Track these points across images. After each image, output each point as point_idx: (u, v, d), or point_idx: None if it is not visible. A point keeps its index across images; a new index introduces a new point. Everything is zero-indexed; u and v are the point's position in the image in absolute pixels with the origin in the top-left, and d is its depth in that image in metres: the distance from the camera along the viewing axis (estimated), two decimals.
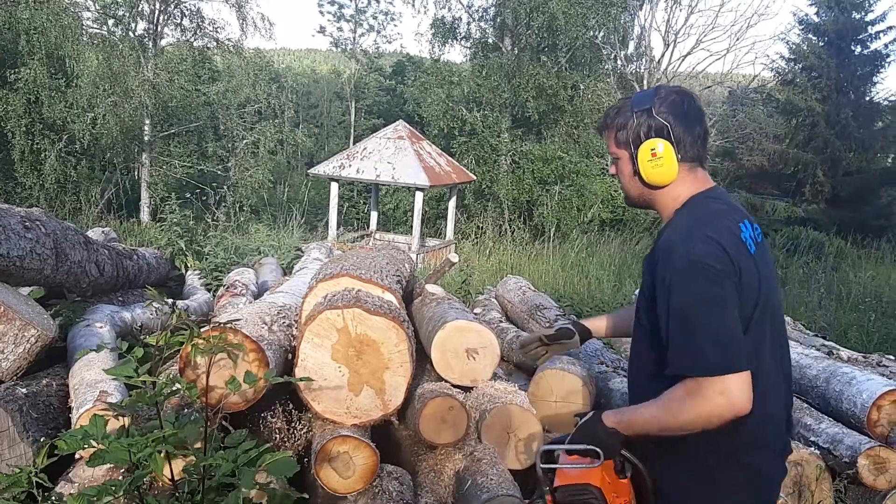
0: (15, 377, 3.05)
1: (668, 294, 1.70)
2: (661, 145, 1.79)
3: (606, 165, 19.37)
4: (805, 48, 22.72)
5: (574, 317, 4.66)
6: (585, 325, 2.46)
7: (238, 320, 2.88)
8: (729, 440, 1.72)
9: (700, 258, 1.68)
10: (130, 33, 15.29)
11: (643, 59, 21.62)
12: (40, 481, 2.39)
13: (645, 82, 20.77)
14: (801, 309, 8.67)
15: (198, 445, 2.17)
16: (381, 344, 2.80)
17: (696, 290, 1.66)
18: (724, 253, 1.69)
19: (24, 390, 2.94)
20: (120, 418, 2.15)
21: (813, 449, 3.28)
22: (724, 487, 1.78)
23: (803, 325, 5.58)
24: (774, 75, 23.53)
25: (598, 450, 1.77)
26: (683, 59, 21.10)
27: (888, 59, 22.12)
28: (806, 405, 3.71)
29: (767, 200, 21.04)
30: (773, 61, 23.52)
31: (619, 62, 21.30)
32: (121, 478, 2.35)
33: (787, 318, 5.47)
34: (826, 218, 20.22)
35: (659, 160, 1.80)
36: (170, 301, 2.66)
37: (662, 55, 20.99)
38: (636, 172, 1.85)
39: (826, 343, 4.60)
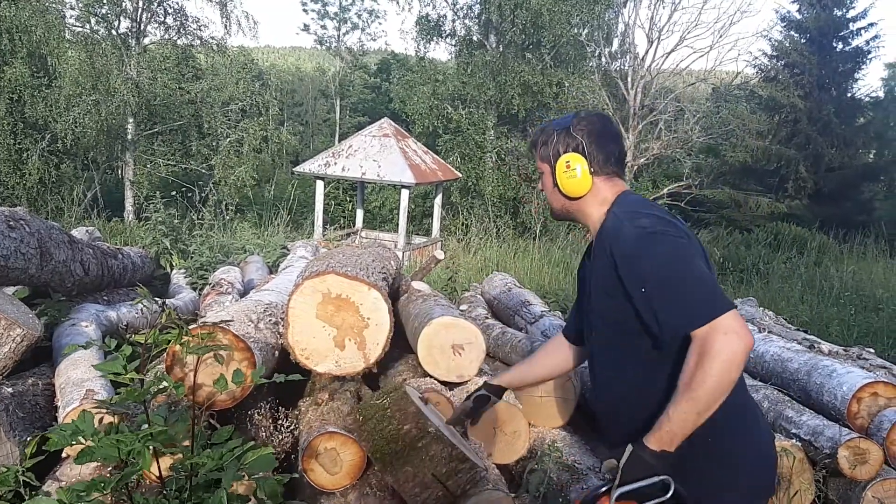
0: (0, 377, 3.04)
1: (637, 272, 1.79)
2: (574, 159, 1.97)
3: None
4: (787, 45, 22.91)
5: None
6: (500, 384, 2.58)
7: (230, 321, 2.88)
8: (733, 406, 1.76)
9: (651, 228, 1.81)
10: (113, 31, 15.19)
11: (627, 57, 21.68)
12: (27, 480, 2.39)
13: (629, 79, 20.85)
14: (783, 303, 8.76)
15: (186, 443, 2.18)
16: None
17: (661, 252, 1.77)
18: (671, 220, 1.87)
19: (9, 390, 2.94)
20: (108, 416, 2.16)
21: (794, 441, 3.32)
22: (745, 458, 1.88)
23: (786, 320, 5.64)
24: (757, 72, 23.71)
25: (665, 479, 1.70)
26: (667, 56, 21.20)
27: (869, 56, 22.36)
28: (787, 398, 3.76)
29: (751, 196, 21.19)
30: (756, 58, 23.74)
31: (603, 59, 21.38)
32: (108, 476, 2.36)
33: (770, 313, 5.54)
34: (809, 213, 20.42)
35: (573, 172, 1.97)
36: (159, 300, 2.67)
37: (646, 52, 21.05)
38: (556, 184, 2.03)
39: (807, 337, 4.66)
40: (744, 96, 23.42)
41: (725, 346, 1.64)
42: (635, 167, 21.36)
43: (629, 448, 1.73)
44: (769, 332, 4.59)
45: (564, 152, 1.99)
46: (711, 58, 54.17)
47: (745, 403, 1.95)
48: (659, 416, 1.72)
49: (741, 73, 23.53)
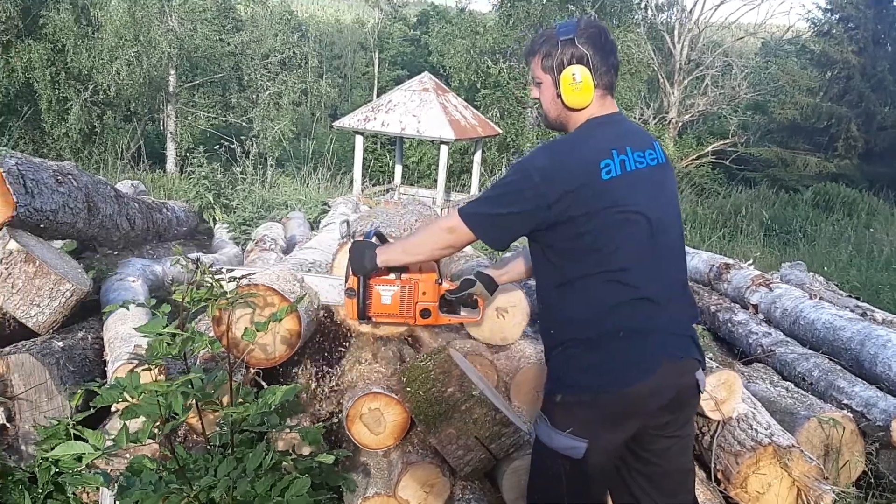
0: (51, 330, 3.10)
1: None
2: (581, 72, 2.00)
3: (634, 115, 19.04)
4: None
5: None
6: (489, 273, 2.59)
7: (252, 274, 2.88)
8: (589, 330, 1.99)
9: (532, 165, 2.00)
10: None
11: (674, 9, 21.07)
12: (78, 433, 2.44)
13: (676, 33, 20.28)
14: (831, 267, 8.53)
15: (226, 399, 2.20)
16: None
17: (509, 178, 2.03)
18: (555, 174, 1.96)
19: (60, 344, 2.99)
20: (151, 371, 2.18)
21: (845, 411, 3.24)
22: (580, 364, 2.02)
23: (837, 286, 5.49)
24: (810, 26, 22.86)
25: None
26: (716, 9, 20.57)
27: None
28: (839, 367, 3.67)
29: (799, 155, 20.60)
30: (809, 11, 23.01)
31: (649, 11, 20.79)
32: (156, 431, 2.39)
33: (819, 278, 5.39)
34: (858, 173, 19.80)
35: (578, 85, 2.01)
36: (194, 257, 2.67)
37: (694, 4, 20.45)
38: (559, 95, 2.06)
39: (860, 304, 4.52)
40: (795, 51, 22.67)
41: (441, 231, 2.14)
42: (680, 123, 20.90)
43: (369, 244, 2.41)
44: (820, 298, 4.46)
45: (569, 64, 2.01)
46: (762, 10, 52.59)
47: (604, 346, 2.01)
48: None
49: (793, 27, 22.77)
